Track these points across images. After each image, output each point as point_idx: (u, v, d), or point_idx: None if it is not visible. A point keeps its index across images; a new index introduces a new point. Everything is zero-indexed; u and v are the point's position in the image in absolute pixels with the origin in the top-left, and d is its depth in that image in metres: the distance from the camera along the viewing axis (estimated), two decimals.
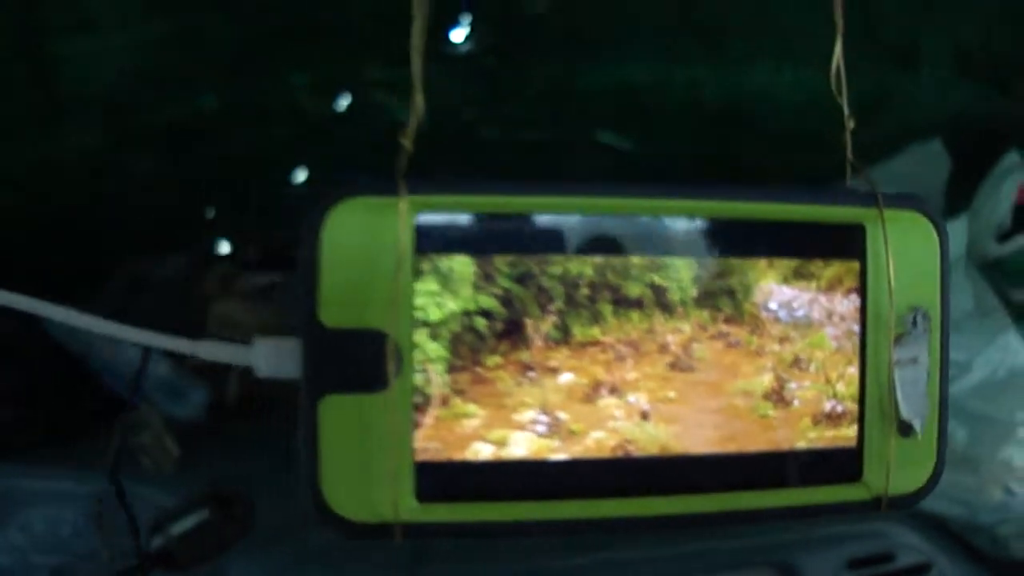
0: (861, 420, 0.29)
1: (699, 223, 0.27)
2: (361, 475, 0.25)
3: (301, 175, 1.16)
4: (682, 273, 0.26)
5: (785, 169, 1.25)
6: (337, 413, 0.25)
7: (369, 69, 1.04)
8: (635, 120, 1.11)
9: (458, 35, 0.97)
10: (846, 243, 0.29)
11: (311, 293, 0.25)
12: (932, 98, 1.09)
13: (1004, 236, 0.90)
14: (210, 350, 0.27)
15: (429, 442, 0.25)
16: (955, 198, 0.98)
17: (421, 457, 0.25)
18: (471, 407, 0.25)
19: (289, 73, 1.01)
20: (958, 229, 0.91)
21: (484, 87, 1.05)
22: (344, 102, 1.05)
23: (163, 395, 0.91)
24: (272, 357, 0.26)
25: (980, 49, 1.05)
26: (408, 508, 0.25)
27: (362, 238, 0.25)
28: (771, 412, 0.28)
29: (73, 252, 1.08)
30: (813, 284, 0.28)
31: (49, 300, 0.28)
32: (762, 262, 0.27)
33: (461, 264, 0.25)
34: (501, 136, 1.10)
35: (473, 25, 0.96)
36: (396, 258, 0.24)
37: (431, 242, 0.25)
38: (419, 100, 0.27)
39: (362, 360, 0.25)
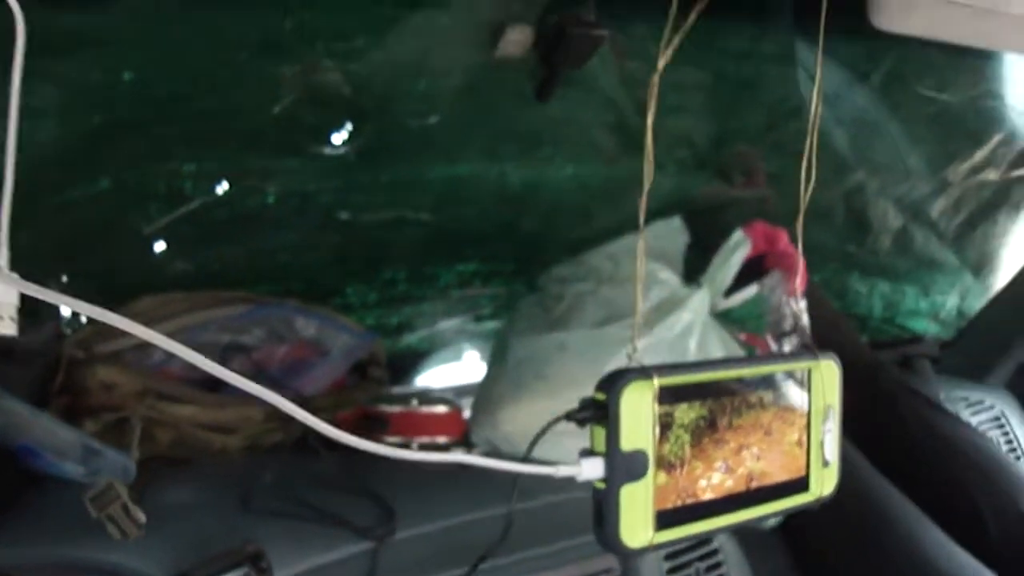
0: (807, 459, 0.59)
1: (768, 375, 0.57)
2: (633, 522, 0.49)
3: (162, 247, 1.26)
4: (768, 392, 0.55)
5: (555, 235, 1.58)
6: (625, 494, 0.49)
7: (248, 158, 1.20)
8: (452, 202, 1.37)
9: (338, 137, 1.17)
10: (806, 377, 0.59)
11: (616, 434, 0.48)
12: (674, 185, 1.46)
13: (727, 292, 1.26)
14: (566, 470, 0.48)
15: (681, 482, 0.51)
16: (693, 264, 1.32)
17: (659, 507, 0.50)
18: (697, 463, 0.51)
19: (181, 163, 1.15)
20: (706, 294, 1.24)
21: (343, 178, 1.25)
22: (222, 188, 1.20)
23: (86, 461, 0.94)
24: (590, 468, 0.49)
25: (710, 150, 1.44)
26: (654, 536, 0.50)
27: (636, 402, 0.49)
28: (797, 452, 0.57)
29: None
30: (806, 393, 0.58)
31: None
32: (791, 384, 0.57)
33: (697, 404, 0.51)
34: (350, 217, 1.30)
35: (351, 131, 1.17)
36: (650, 412, 0.49)
37: (671, 396, 0.50)
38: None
39: (635, 465, 0.49)
